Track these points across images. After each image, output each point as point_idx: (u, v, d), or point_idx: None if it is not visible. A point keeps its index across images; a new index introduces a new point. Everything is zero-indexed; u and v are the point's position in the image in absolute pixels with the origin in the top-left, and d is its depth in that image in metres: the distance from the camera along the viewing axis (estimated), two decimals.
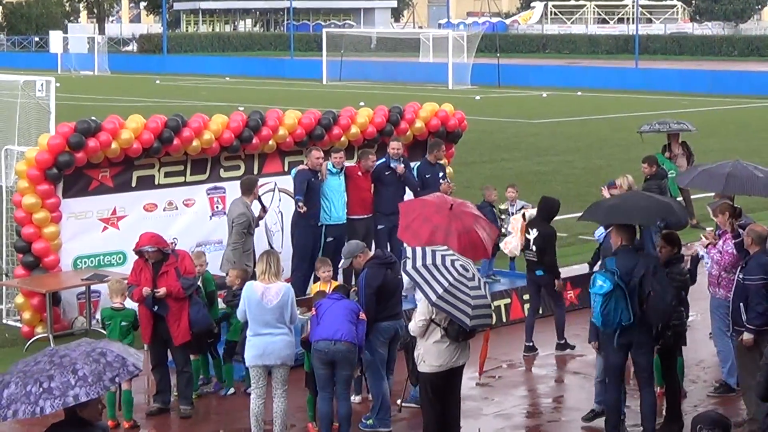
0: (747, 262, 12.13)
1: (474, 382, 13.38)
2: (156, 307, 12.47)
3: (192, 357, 12.98)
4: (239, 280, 13.25)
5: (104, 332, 12.81)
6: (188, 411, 12.67)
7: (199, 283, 13.12)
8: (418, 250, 11.00)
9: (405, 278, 12.61)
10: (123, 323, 12.28)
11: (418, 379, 11.46)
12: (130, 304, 12.64)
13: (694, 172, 15.00)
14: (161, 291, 12.39)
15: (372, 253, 12.80)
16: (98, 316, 14.38)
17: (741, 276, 12.08)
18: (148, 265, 12.56)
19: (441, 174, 17.45)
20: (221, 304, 13.63)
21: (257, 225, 15.65)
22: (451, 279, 10.65)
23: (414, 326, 10.97)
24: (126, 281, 12.79)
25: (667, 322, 11.70)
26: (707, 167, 14.59)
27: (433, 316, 10.82)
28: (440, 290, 10.57)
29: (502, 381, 14.04)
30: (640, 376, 11.83)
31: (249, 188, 15.39)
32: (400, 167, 16.86)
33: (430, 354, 10.87)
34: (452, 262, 10.85)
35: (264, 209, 15.81)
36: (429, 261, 10.79)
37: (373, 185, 16.92)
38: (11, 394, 6.90)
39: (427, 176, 17.27)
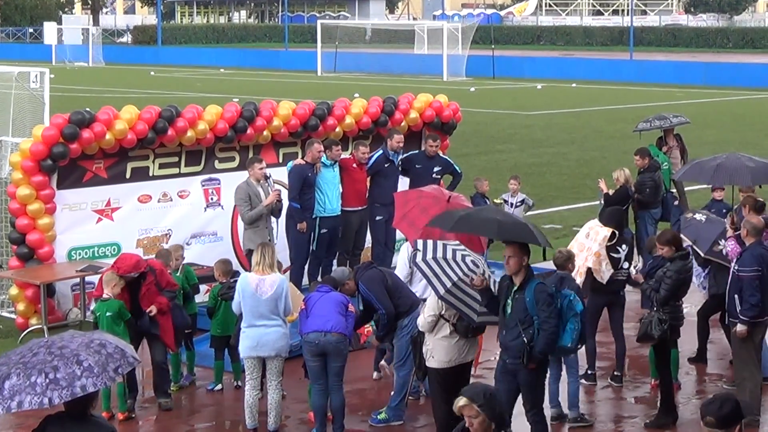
0: (742, 254, 12.16)
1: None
2: (150, 328, 12.52)
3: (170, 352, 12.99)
4: (218, 272, 13.31)
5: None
6: (169, 403, 12.70)
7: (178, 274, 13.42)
8: (429, 242, 10.85)
9: (402, 270, 12.62)
10: (108, 314, 12.19)
11: (425, 374, 11.26)
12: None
13: (687, 165, 15.04)
14: (153, 310, 12.43)
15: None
16: (92, 307, 14.39)
17: (736, 267, 12.11)
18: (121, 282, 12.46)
19: (436, 169, 17.26)
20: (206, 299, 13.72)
21: (280, 209, 15.68)
22: (460, 274, 10.49)
23: (423, 321, 10.86)
24: (107, 270, 12.75)
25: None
26: (700, 160, 14.61)
27: (442, 312, 10.70)
28: (449, 284, 10.44)
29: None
30: None
31: (247, 165, 15.53)
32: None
33: (439, 350, 10.75)
34: (463, 257, 10.70)
35: (279, 196, 15.73)
36: (439, 254, 10.63)
37: (371, 176, 16.89)
38: (13, 385, 6.79)
39: (417, 166, 17.09)
